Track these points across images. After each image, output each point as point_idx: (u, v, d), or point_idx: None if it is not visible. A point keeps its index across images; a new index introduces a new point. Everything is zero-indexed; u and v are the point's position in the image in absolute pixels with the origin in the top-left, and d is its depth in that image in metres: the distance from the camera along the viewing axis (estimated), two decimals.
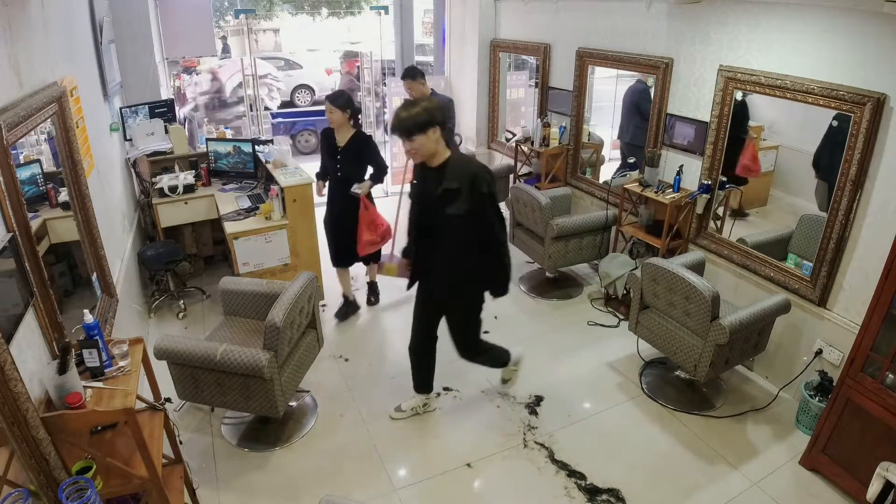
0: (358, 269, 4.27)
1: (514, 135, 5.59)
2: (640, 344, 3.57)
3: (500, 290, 2.75)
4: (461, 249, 2.60)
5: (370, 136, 3.84)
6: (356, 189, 3.69)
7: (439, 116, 2.41)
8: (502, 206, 5.66)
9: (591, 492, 2.65)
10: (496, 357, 3.11)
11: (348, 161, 3.73)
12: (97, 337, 2.00)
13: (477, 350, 2.99)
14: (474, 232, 2.54)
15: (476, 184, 2.44)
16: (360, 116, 3.78)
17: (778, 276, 3.25)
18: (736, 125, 3.47)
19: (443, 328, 2.92)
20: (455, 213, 2.46)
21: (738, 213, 3.88)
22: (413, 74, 4.50)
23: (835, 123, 2.99)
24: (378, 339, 3.91)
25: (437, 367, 3.09)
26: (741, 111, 3.46)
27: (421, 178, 2.61)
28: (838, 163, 2.82)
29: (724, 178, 3.62)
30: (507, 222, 2.84)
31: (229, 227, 3.85)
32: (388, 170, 3.91)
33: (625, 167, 4.45)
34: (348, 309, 4.16)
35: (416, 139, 2.39)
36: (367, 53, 6.79)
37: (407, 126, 2.38)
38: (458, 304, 2.80)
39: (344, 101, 3.63)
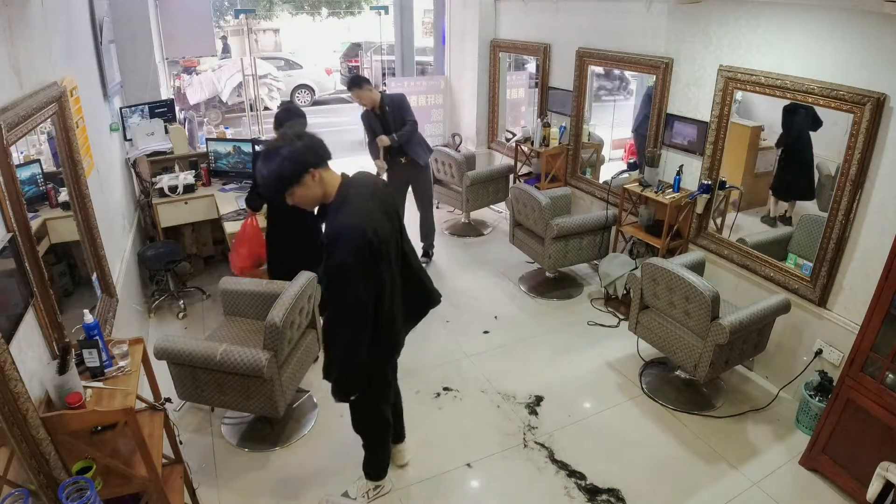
0: None
1: (514, 135, 5.60)
2: (640, 344, 3.57)
3: (332, 387, 2.19)
4: (333, 320, 2.15)
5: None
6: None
7: (312, 159, 1.91)
8: (503, 205, 5.77)
9: (591, 492, 2.65)
10: (378, 453, 2.57)
11: None
12: (97, 337, 2.00)
13: (360, 428, 2.50)
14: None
15: (333, 248, 1.90)
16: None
17: (778, 276, 3.25)
18: (806, 127, 3.44)
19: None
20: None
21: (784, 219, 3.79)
22: (358, 83, 4.20)
23: None
24: None
25: (438, 366, 3.05)
26: (812, 114, 3.28)
27: None
28: None
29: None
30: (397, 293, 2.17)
31: (229, 227, 3.85)
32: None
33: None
34: None
35: (294, 192, 1.93)
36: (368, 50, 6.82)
37: (274, 184, 1.90)
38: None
39: (285, 114, 3.36)
